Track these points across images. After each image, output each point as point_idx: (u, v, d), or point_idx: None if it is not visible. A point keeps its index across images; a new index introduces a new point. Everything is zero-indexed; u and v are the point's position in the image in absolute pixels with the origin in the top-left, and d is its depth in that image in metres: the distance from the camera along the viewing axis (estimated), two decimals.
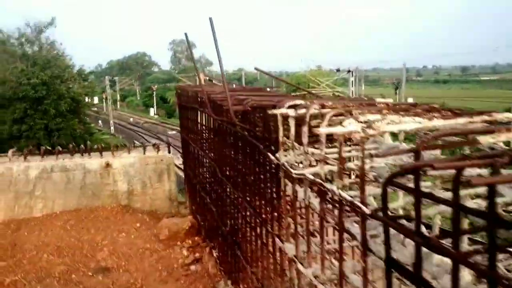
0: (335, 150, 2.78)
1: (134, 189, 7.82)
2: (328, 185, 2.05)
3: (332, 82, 40.54)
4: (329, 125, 2.21)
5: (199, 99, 6.08)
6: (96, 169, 7.62)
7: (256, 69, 4.93)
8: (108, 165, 7.62)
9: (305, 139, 2.35)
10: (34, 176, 7.29)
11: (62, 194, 7.46)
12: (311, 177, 2.21)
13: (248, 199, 3.94)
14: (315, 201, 2.34)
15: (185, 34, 3.78)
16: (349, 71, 36.51)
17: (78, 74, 28.03)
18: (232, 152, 4.53)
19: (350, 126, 1.94)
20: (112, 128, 44.54)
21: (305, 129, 2.34)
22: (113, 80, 59.60)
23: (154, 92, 61.07)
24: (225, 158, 4.92)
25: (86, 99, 32.04)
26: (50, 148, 7.94)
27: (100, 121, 46.69)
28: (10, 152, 7.49)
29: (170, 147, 8.24)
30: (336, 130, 1.92)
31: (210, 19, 3.04)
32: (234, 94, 4.96)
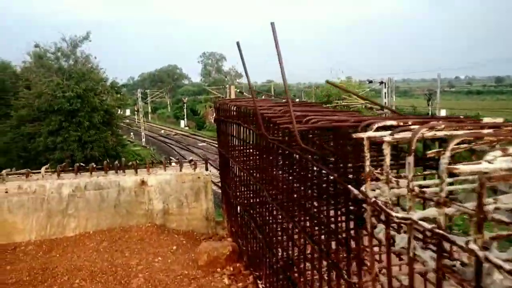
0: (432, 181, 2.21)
1: (170, 208, 7.40)
2: (458, 240, 1.50)
3: (364, 93, 39.57)
4: (452, 156, 1.67)
5: (242, 114, 5.62)
6: (130, 186, 7.25)
7: (327, 82, 4.42)
8: (143, 182, 7.24)
9: (410, 174, 1.81)
10: (68, 194, 6.97)
11: (96, 212, 7.11)
12: (427, 225, 1.66)
13: (308, 231, 3.40)
14: (425, 255, 1.79)
15: (237, 43, 3.33)
16: (381, 82, 35.57)
17: (111, 87, 28.30)
18: (286, 175, 4.02)
19: (498, 162, 1.40)
20: (143, 140, 44.89)
21: (410, 159, 1.81)
22: (144, 92, 60.40)
23: (185, 104, 61.46)
24: (275, 181, 4.41)
25: (119, 111, 32.32)
26: (83, 165, 7.62)
27: (132, 133, 47.17)
28: (43, 169, 7.21)
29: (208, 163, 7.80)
30: (482, 167, 1.37)
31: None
32: (283, 109, 4.48)
